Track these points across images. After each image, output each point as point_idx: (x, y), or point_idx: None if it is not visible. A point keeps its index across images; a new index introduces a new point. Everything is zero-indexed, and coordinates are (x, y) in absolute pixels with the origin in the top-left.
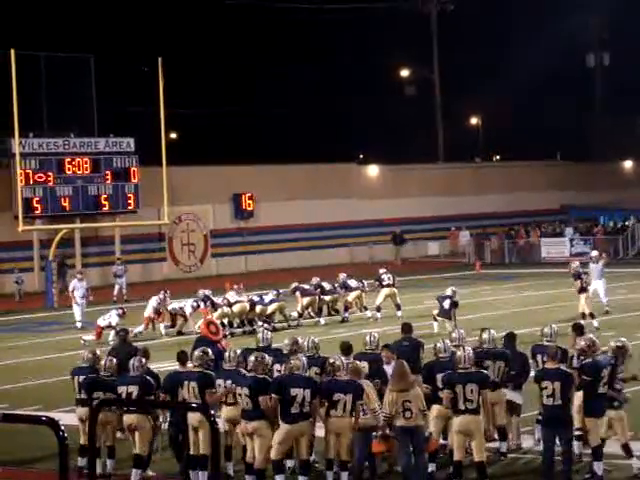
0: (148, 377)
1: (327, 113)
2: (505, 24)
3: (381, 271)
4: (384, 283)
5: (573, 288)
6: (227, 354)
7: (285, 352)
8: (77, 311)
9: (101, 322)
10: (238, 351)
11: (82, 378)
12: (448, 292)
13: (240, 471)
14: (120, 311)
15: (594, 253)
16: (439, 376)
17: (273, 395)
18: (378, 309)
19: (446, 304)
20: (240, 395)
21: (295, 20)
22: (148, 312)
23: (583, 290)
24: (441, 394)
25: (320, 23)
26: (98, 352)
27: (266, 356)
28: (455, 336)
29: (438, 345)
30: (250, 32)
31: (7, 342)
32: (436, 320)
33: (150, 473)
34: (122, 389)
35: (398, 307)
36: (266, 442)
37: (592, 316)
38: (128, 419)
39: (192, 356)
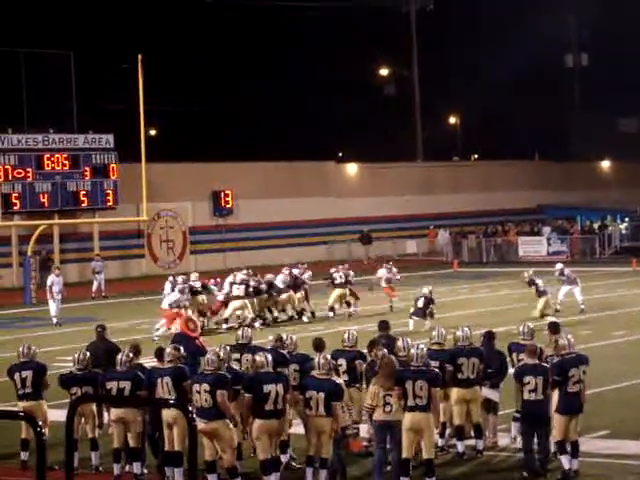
0: (139, 373)
1: (307, 111)
2: (484, 24)
3: (332, 270)
4: (336, 282)
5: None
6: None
7: (268, 348)
8: (53, 307)
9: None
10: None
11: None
12: (424, 291)
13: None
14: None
15: (558, 266)
16: None
17: (246, 394)
18: (331, 309)
19: (420, 303)
20: (199, 392)
21: (276, 18)
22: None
23: (542, 294)
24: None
25: (301, 22)
26: (34, 348)
27: (220, 352)
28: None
29: (398, 344)
30: (230, 29)
31: None
32: (412, 318)
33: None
34: (112, 384)
35: (348, 304)
36: (228, 441)
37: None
38: (117, 413)
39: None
